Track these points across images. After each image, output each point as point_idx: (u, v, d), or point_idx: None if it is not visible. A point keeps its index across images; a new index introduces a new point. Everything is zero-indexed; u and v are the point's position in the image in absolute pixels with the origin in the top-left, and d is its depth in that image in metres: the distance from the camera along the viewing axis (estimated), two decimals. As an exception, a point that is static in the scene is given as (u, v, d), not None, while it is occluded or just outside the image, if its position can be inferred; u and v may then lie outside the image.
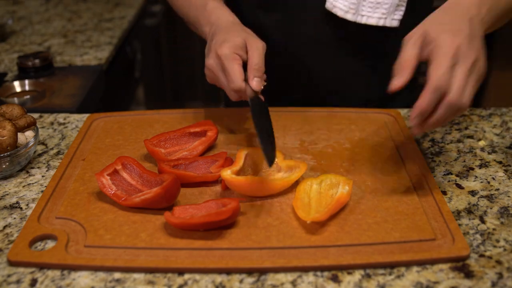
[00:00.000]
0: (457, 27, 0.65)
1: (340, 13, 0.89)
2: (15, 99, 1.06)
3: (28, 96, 1.08)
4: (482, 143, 0.85)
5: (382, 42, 0.95)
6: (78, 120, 0.94)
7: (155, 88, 2.44)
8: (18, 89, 1.11)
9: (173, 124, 0.89)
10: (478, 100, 2.39)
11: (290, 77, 1.01)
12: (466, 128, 0.89)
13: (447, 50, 0.63)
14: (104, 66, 1.33)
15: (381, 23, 0.89)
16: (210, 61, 0.78)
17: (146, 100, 2.19)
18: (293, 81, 1.02)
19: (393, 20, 0.89)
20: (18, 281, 0.58)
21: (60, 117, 0.95)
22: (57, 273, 0.60)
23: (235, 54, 0.75)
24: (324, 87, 1.01)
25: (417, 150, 0.80)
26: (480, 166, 0.79)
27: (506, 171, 0.77)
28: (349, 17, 0.89)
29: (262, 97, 0.76)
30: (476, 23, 0.67)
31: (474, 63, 0.64)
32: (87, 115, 0.93)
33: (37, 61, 1.21)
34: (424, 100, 0.62)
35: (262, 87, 0.77)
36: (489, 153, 0.82)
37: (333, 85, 1.01)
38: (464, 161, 0.80)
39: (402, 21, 0.89)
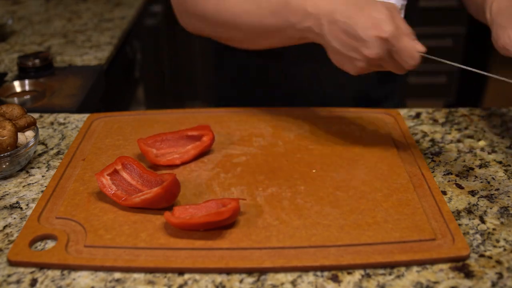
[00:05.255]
0: None
1: None
2: (15, 99, 1.06)
3: (28, 96, 1.08)
4: (482, 143, 0.85)
5: None
6: (78, 120, 0.94)
7: (155, 88, 2.44)
8: (18, 89, 1.11)
9: (173, 124, 0.89)
10: (478, 100, 2.40)
11: (268, 80, 1.01)
12: (466, 128, 0.89)
13: None
14: (104, 66, 1.33)
15: None
16: (376, 50, 0.65)
17: (146, 100, 2.19)
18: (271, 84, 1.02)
19: None
20: (18, 281, 0.58)
21: (60, 117, 0.95)
22: (57, 273, 0.60)
23: (399, 29, 0.65)
24: (303, 91, 1.00)
25: (417, 150, 0.80)
26: (480, 166, 0.79)
27: (506, 171, 0.77)
28: None
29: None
30: None
31: None
32: (87, 115, 0.93)
33: (37, 61, 1.21)
34: None
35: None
36: (489, 153, 0.82)
37: (312, 90, 1.00)
38: (464, 161, 0.80)
39: None
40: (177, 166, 0.77)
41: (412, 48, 0.65)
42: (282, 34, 0.76)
